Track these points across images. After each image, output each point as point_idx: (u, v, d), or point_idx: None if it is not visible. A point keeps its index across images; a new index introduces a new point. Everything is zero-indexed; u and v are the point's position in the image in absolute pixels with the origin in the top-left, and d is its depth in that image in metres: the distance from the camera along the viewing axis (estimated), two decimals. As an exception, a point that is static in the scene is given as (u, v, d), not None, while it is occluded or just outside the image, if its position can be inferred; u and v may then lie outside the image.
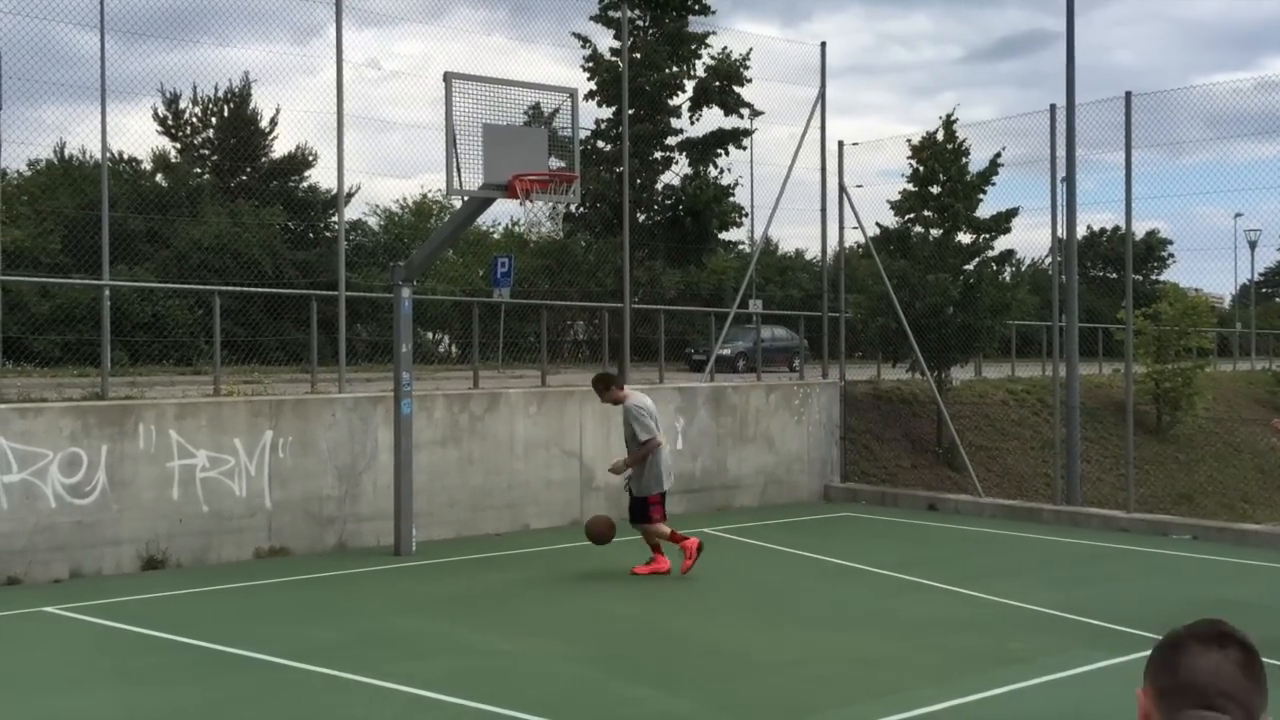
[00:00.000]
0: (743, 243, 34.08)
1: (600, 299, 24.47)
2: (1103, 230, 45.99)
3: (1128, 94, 13.86)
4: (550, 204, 12.02)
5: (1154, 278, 43.52)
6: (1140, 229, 44.96)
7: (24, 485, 10.00)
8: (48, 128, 37.86)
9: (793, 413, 15.95)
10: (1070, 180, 14.95)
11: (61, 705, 6.60)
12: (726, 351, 21.54)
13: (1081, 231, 34.88)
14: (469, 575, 10.53)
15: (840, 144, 17.17)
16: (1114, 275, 43.32)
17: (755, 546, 12.16)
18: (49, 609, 9.03)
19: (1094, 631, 8.30)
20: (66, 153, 27.39)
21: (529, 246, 34.33)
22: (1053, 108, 14.82)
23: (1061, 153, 14.77)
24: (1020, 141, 34.35)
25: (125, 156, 27.18)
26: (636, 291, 22.63)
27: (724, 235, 22.05)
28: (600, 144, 20.02)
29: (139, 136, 34.75)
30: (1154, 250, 46.22)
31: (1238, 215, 39.92)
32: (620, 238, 17.16)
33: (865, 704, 6.49)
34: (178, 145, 30.09)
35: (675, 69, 19.84)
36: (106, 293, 13.37)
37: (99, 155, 12.97)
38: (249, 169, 30.10)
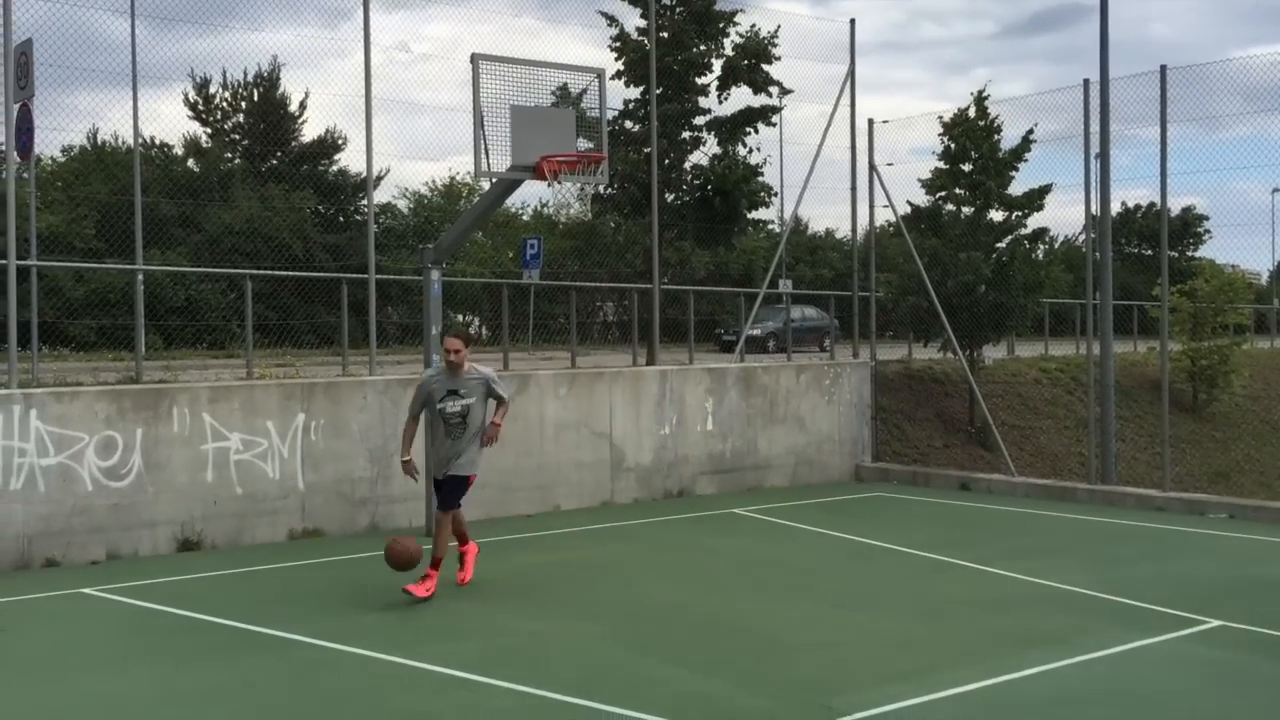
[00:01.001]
0: (772, 222, 33.83)
1: (629, 280, 24.44)
2: (1137, 206, 45.47)
3: (1162, 68, 13.66)
4: (579, 185, 12.00)
5: (1190, 254, 42.96)
6: (1176, 205, 44.41)
7: (61, 468, 10.12)
8: (81, 114, 38.19)
9: (823, 393, 15.89)
10: (1104, 156, 14.76)
11: (99, 685, 6.68)
12: (756, 332, 21.49)
13: (1116, 208, 34.50)
14: (500, 556, 10.56)
15: (870, 122, 17.06)
16: (1149, 252, 42.81)
17: (786, 527, 12.14)
18: (87, 590, 9.14)
19: (1129, 611, 8.23)
20: (99, 138, 27.61)
21: (558, 228, 34.33)
22: (1086, 83, 14.63)
23: (1095, 128, 14.59)
24: (1054, 117, 33.99)
25: (157, 142, 27.38)
26: (666, 272, 22.58)
27: (753, 215, 21.82)
28: (628, 124, 19.91)
29: (170, 121, 34.96)
30: (1190, 226, 45.60)
31: (1275, 190, 39.38)
32: (649, 218, 17.12)
33: (897, 684, 6.47)
34: (209, 130, 30.26)
35: (703, 48, 19.67)
36: (140, 277, 13.48)
37: (131, 140, 13.07)
38: (279, 153, 30.22)
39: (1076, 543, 11.13)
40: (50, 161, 25.75)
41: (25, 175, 13.62)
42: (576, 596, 8.94)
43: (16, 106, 11.58)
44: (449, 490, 8.86)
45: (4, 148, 11.84)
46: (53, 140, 29.57)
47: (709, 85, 20.01)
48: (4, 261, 10.79)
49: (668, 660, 7.04)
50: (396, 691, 6.48)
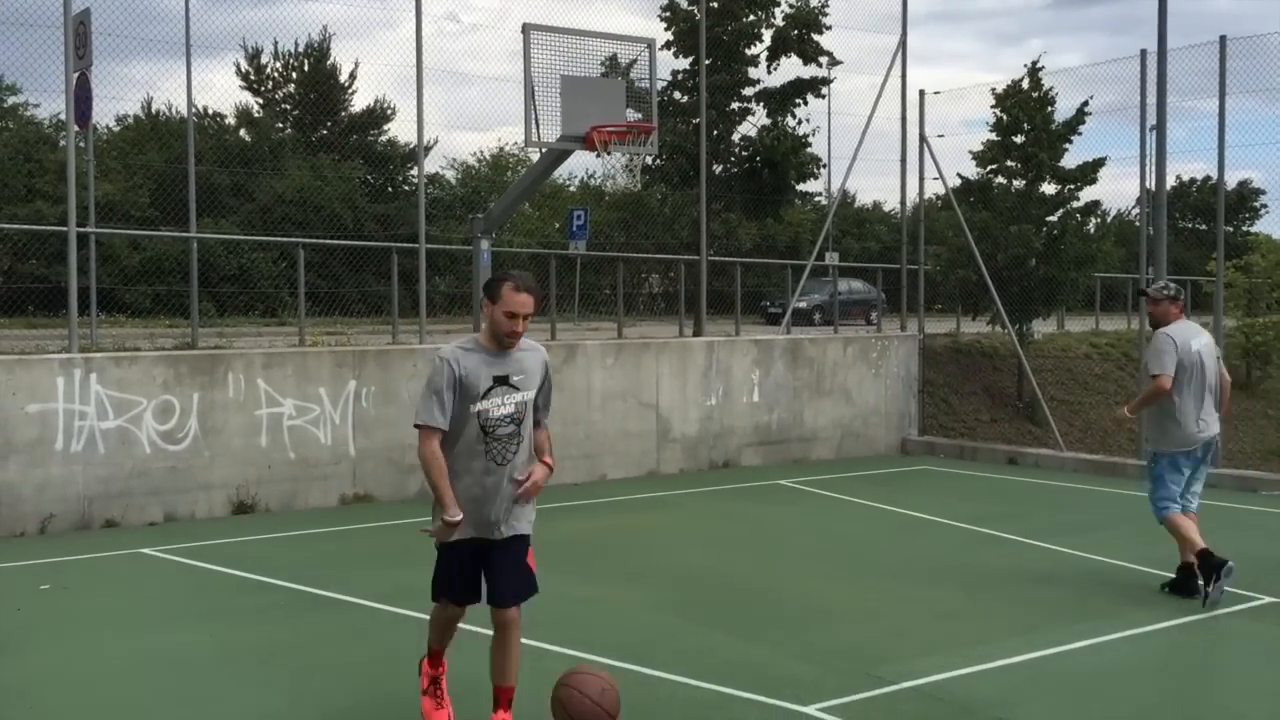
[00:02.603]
0: (820, 194, 33.75)
1: (676, 251, 24.43)
2: (1193, 180, 44.65)
3: (1222, 38, 13.44)
4: (627, 156, 12.01)
5: (1246, 229, 42.20)
6: (1233, 178, 43.62)
7: (120, 431, 10.34)
8: (135, 84, 38.62)
9: (870, 365, 15.84)
10: (1160, 128, 14.53)
11: (159, 642, 6.86)
12: (803, 304, 21.42)
13: (1171, 182, 33.97)
14: (548, 523, 10.61)
15: (921, 93, 16.89)
16: (1204, 227, 42.09)
17: (832, 499, 12.16)
18: (145, 550, 9.36)
19: (1179, 587, 8.17)
20: (153, 108, 28.01)
21: (605, 199, 34.33)
22: (1143, 53, 14.40)
23: (1152, 100, 14.36)
24: (1109, 89, 33.38)
25: (210, 111, 27.71)
26: (712, 244, 22.54)
27: (801, 187, 21.74)
28: (677, 95, 19.86)
29: (223, 92, 35.32)
30: (1246, 200, 44.75)
31: (1336, 164, 38.41)
32: (696, 190, 17.09)
33: (943, 655, 6.49)
34: (260, 100, 30.55)
35: (753, 17, 19.57)
36: (194, 245, 13.70)
37: (185, 110, 13.24)
38: (329, 123, 30.46)
39: (1126, 518, 11.06)
40: (106, 131, 26.16)
41: (83, 144, 13.87)
42: (623, 564, 9.03)
43: (75, 76, 11.77)
44: (515, 563, 5.16)
45: (63, 117, 12.04)
46: (109, 110, 30.05)
47: (759, 56, 19.91)
48: (64, 229, 11.00)
49: (715, 627, 7.10)
50: (450, 653, 6.59)
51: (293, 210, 24.50)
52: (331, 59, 30.53)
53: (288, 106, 31.12)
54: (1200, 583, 7.67)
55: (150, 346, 11.82)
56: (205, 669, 6.35)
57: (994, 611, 7.56)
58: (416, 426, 4.90)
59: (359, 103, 30.81)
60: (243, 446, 11.00)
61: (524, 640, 6.76)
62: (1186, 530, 7.79)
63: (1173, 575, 8.04)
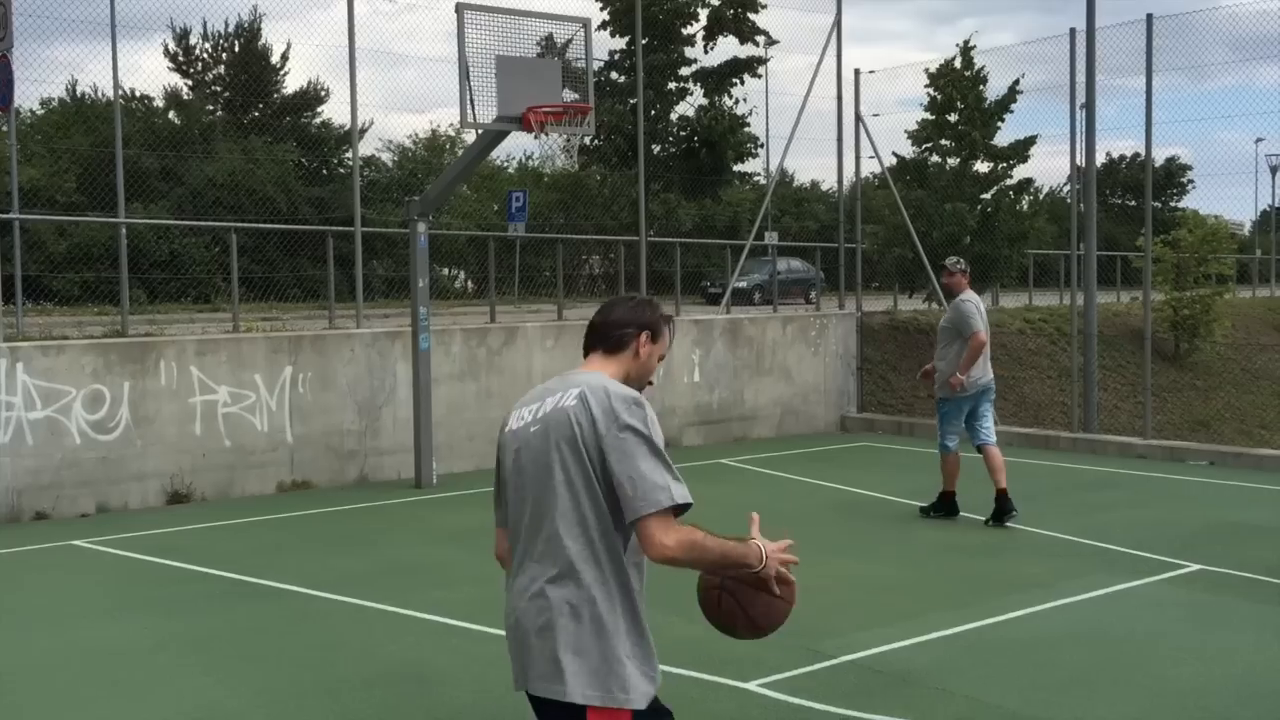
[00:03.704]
0: (758, 174, 33.83)
1: (615, 232, 24.41)
2: (1122, 157, 45.50)
3: (1149, 16, 13.64)
4: (564, 136, 11.96)
5: (1174, 204, 43.08)
6: (1160, 155, 44.45)
7: (49, 422, 10.13)
8: (60, 66, 37.73)
9: (809, 344, 15.95)
10: (1090, 106, 14.76)
11: (93, 635, 6.74)
12: (743, 284, 21.51)
13: (1101, 159, 34.55)
14: (489, 507, 10.63)
15: (856, 72, 16.99)
16: (1133, 203, 42.90)
17: (772, 476, 12.24)
18: (77, 542, 9.19)
19: (1111, 556, 8.36)
20: (79, 91, 27.33)
21: (543, 181, 34.19)
22: (1072, 31, 14.59)
23: (1081, 78, 14.57)
24: (1040, 68, 33.87)
25: (137, 94, 27.11)
26: (652, 225, 22.55)
27: (739, 167, 21.87)
28: (614, 75, 19.83)
29: (151, 74, 34.73)
30: (1174, 177, 45.70)
31: (1259, 140, 39.40)
32: (635, 170, 17.07)
33: (883, 629, 6.58)
34: (189, 82, 29.96)
35: (688, -3, 19.61)
36: (123, 231, 13.40)
37: (111, 93, 12.93)
38: (261, 105, 29.94)
39: (1058, 490, 11.27)
40: (30, 114, 25.49)
41: (5, 128, 13.50)
42: (565, 546, 9.01)
43: (-5, 58, 11.45)
44: None
45: (-17, 100, 11.72)
46: (32, 93, 29.29)
47: (695, 35, 19.92)
48: (-14, 215, 10.71)
49: (656, 606, 7.05)
50: (388, 639, 6.56)
51: (225, 194, 24.09)
52: (263, 40, 30.02)
53: (218, 88, 30.56)
54: (934, 510, 9.75)
55: (79, 335, 11.57)
56: (141, 660, 6.25)
57: (931, 584, 7.68)
58: (673, 509, 2.98)
59: (291, 84, 30.36)
60: (176, 435, 10.83)
61: (464, 624, 6.75)
62: (954, 470, 9.66)
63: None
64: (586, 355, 3.17)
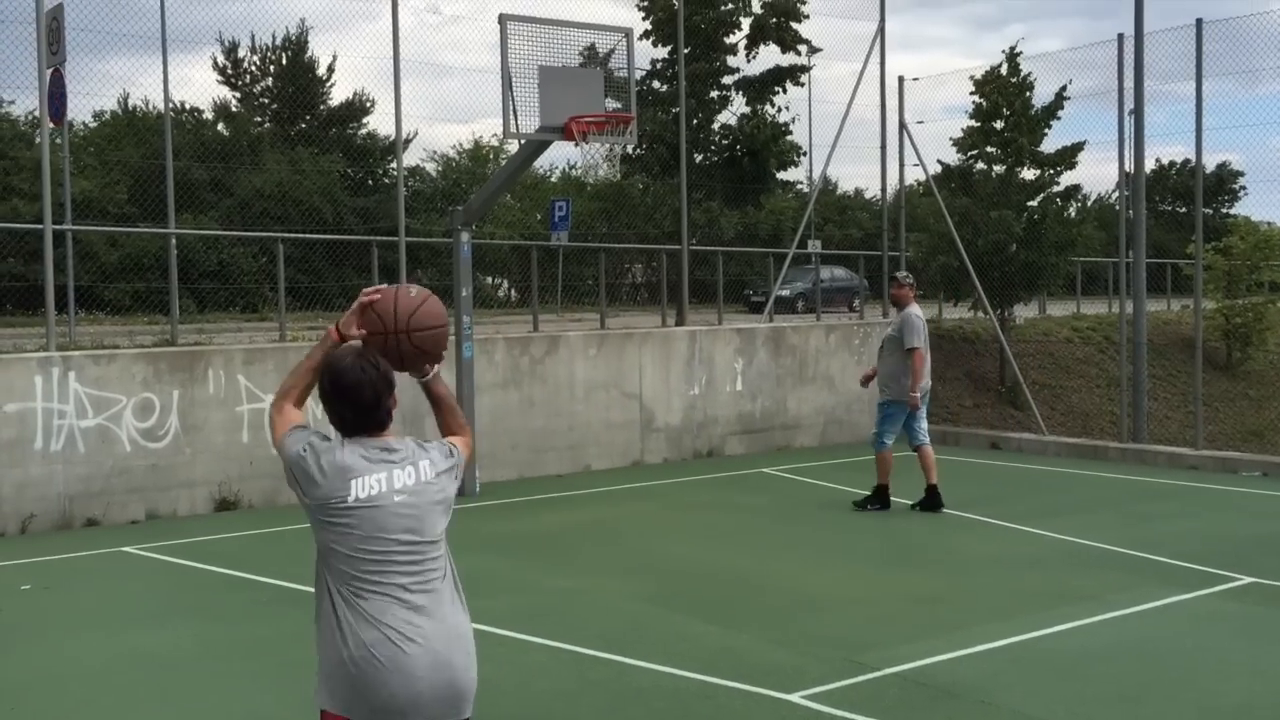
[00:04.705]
0: (801, 182, 33.77)
1: (658, 241, 24.43)
2: (1172, 163, 44.83)
3: (1198, 21, 13.46)
4: (607, 146, 11.98)
5: (1225, 211, 42.39)
6: (1211, 161, 43.78)
7: (100, 430, 10.29)
8: (112, 79, 38.42)
9: (853, 352, 15.86)
10: (1139, 112, 14.59)
11: (142, 640, 6.83)
12: (785, 292, 21.42)
13: (1150, 165, 34.06)
14: (532, 515, 10.67)
15: (900, 79, 16.89)
16: (1183, 209, 42.29)
17: (815, 486, 12.18)
18: (127, 549, 9.32)
19: (1162, 568, 8.24)
20: (130, 104, 27.78)
21: (586, 190, 34.28)
22: (1120, 37, 14.44)
23: (1130, 84, 14.43)
24: (1088, 73, 33.53)
25: (187, 106, 27.52)
26: (694, 233, 22.55)
27: (782, 175, 21.81)
28: (656, 84, 19.84)
29: (200, 86, 35.06)
30: (1225, 183, 44.97)
31: (1314, 145, 38.65)
32: (677, 179, 17.07)
33: (927, 641, 6.52)
34: (238, 94, 30.36)
35: (731, 5, 19.57)
36: (173, 241, 13.62)
37: (162, 105, 13.14)
38: (308, 117, 30.29)
39: (1108, 501, 11.12)
40: (83, 127, 25.94)
41: (58, 140, 13.75)
42: (607, 554, 9.03)
43: (49, 72, 11.67)
44: None
45: (37, 113, 11.94)
46: (85, 106, 29.79)
47: (737, 44, 19.90)
48: (40, 226, 10.92)
49: (698, 617, 7.12)
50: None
51: (272, 205, 24.38)
52: (310, 52, 30.38)
53: (266, 100, 30.95)
54: (871, 503, 10.45)
55: (129, 344, 11.75)
56: (189, 667, 6.33)
57: (976, 596, 7.60)
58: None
59: (337, 95, 30.70)
60: (224, 443, 10.95)
61: (506, 633, 6.77)
62: (889, 465, 10.41)
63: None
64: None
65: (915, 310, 10.34)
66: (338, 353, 3.25)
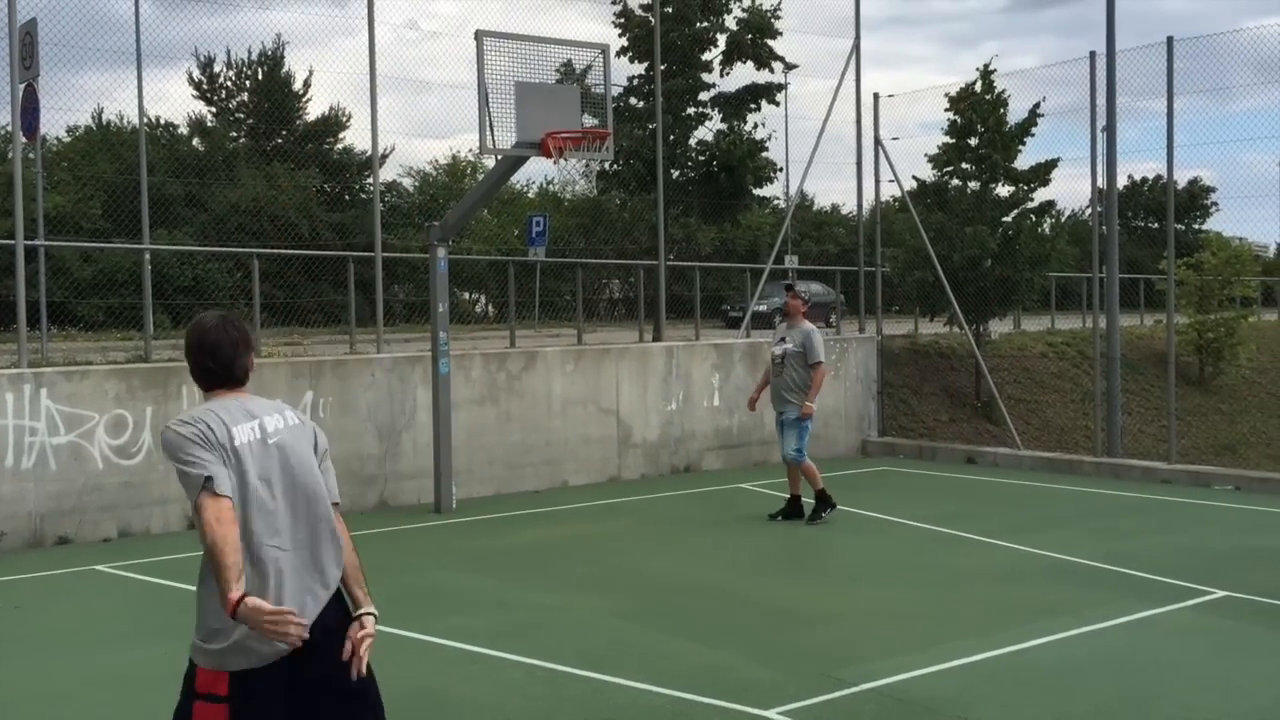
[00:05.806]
0: (778, 198, 33.84)
1: (635, 257, 24.44)
2: (1144, 180, 45.25)
3: (1169, 39, 13.63)
4: (584, 161, 12.00)
5: (1197, 227, 42.82)
6: (1183, 177, 44.24)
7: (72, 447, 10.19)
8: (86, 94, 38.17)
9: (830, 367, 15.89)
10: (1111, 129, 14.71)
11: (113, 660, 6.76)
12: (763, 308, 21.47)
13: (1123, 181, 34.43)
14: (510, 531, 10.63)
15: (876, 96, 17.01)
16: (1155, 225, 42.67)
17: (793, 501, 12.17)
18: (99, 567, 9.22)
19: (1136, 582, 8.27)
20: (104, 118, 27.62)
21: (563, 205, 34.29)
22: (1092, 55, 14.58)
23: (1102, 101, 14.55)
24: (1061, 91, 33.83)
25: (162, 121, 27.42)
26: (671, 249, 22.59)
27: (759, 191, 21.90)
28: (633, 100, 19.91)
29: (175, 101, 34.95)
30: (1197, 199, 45.45)
31: (1283, 162, 39.07)
32: (654, 195, 17.10)
33: (906, 655, 6.52)
34: (213, 109, 30.24)
35: (706, 23, 19.67)
36: (147, 257, 13.51)
37: (136, 120, 13.07)
38: (284, 132, 30.21)
39: (1082, 515, 11.18)
40: (56, 142, 25.76)
41: (31, 156, 13.65)
42: (585, 571, 9.00)
43: (22, 87, 11.59)
44: None
45: (10, 129, 11.86)
46: (58, 121, 29.56)
47: (713, 61, 20.00)
48: (11, 242, 10.83)
49: (677, 634, 7.10)
50: (407, 665, 6.54)
51: (247, 220, 24.26)
52: (286, 67, 30.31)
53: (241, 115, 30.84)
54: (823, 510, 10.71)
55: (102, 360, 11.65)
56: (160, 687, 6.24)
57: (954, 611, 7.61)
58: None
59: (314, 111, 30.62)
60: (198, 460, 10.84)
61: (481, 650, 6.73)
62: (816, 470, 10.76)
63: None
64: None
65: (812, 326, 10.95)
66: (205, 314, 3.64)
